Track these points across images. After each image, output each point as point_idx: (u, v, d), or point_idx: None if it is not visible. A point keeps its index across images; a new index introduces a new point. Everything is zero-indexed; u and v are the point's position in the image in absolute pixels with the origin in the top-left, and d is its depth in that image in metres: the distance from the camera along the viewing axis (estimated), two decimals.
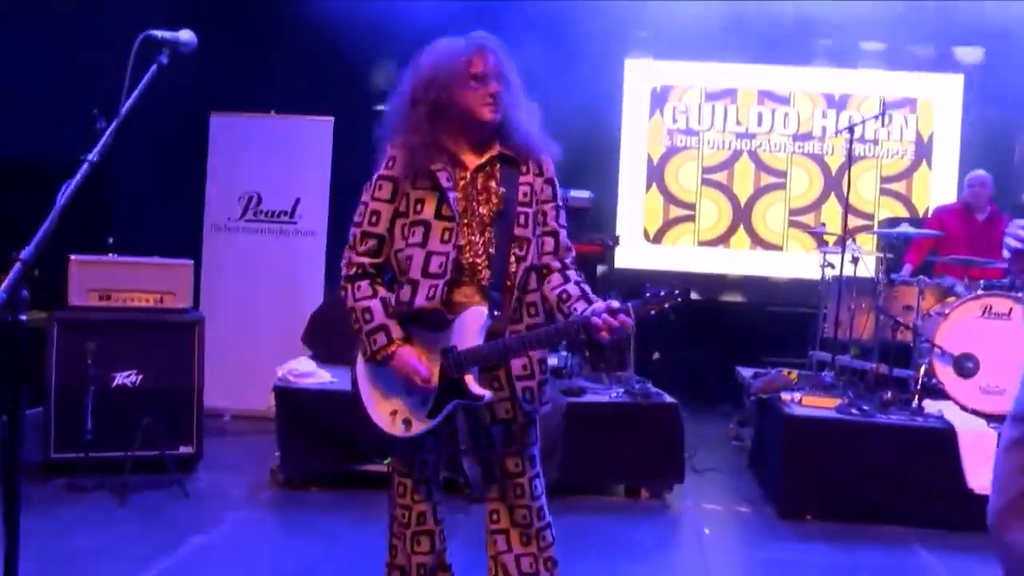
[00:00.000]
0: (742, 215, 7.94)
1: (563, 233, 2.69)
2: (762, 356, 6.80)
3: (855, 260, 5.61)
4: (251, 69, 6.43)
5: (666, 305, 2.44)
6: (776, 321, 7.57)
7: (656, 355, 6.79)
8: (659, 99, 7.97)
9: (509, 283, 2.56)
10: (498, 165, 2.59)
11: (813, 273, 6.97)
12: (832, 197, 7.81)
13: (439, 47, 2.57)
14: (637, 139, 7.99)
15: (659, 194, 8.00)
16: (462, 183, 2.55)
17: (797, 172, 7.89)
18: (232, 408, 6.16)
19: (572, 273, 2.66)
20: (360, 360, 2.64)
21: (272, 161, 6.23)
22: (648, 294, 2.46)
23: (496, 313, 2.53)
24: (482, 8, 5.82)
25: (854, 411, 4.81)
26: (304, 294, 6.18)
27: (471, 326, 2.52)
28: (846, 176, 5.52)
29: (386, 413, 2.60)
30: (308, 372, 4.79)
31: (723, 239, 7.96)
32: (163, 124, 5.24)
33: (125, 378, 4.68)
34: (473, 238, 2.54)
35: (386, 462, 2.82)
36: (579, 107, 6.39)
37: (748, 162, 7.91)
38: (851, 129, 5.42)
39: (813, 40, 7.69)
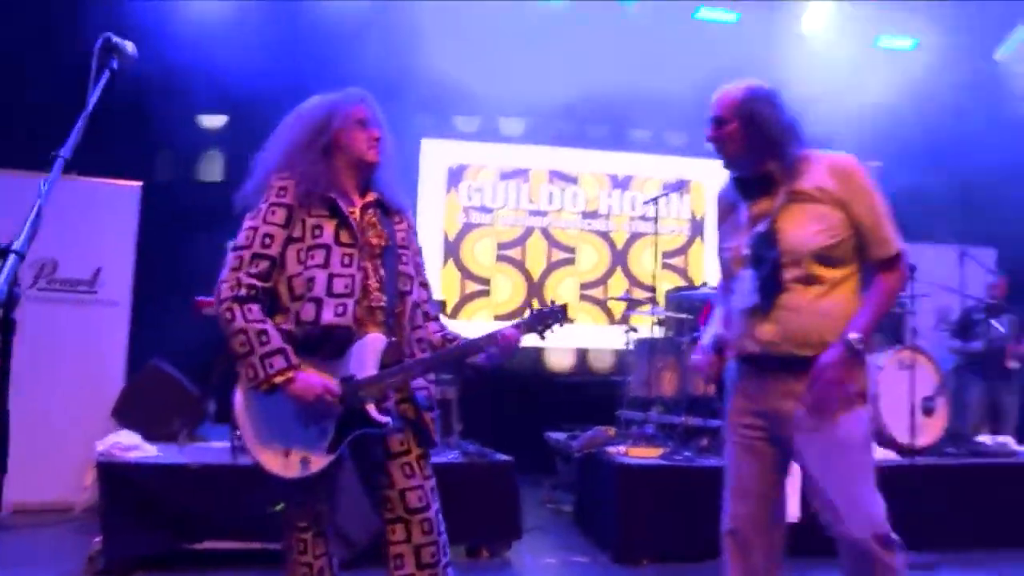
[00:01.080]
0: (535, 289, 8.31)
1: (431, 287, 2.83)
2: (561, 423, 7.05)
3: (661, 323, 6.06)
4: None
5: (550, 322, 2.64)
6: (571, 390, 7.91)
7: (459, 427, 6.86)
8: (455, 177, 8.25)
9: (399, 310, 2.61)
10: (377, 209, 2.68)
11: (603, 343, 7.42)
12: (618, 270, 8.39)
13: (317, 102, 2.70)
14: (433, 216, 8.20)
15: (456, 269, 8.21)
16: (352, 215, 2.60)
17: (586, 248, 8.42)
18: (12, 501, 5.47)
19: (443, 323, 2.80)
20: (240, 400, 2.54)
21: (71, 226, 5.72)
22: (532, 313, 2.65)
23: (392, 339, 2.55)
24: (289, 86, 5.80)
25: (677, 458, 5.15)
26: (104, 369, 5.69)
27: (369, 353, 2.51)
28: (654, 246, 6.00)
29: (277, 454, 2.48)
30: (133, 445, 4.43)
31: (518, 312, 8.23)
32: None
33: None
34: (364, 263, 2.58)
35: (278, 508, 2.66)
36: None
37: (540, 238, 8.34)
38: (655, 201, 5.95)
39: (595, 125, 8.31)
